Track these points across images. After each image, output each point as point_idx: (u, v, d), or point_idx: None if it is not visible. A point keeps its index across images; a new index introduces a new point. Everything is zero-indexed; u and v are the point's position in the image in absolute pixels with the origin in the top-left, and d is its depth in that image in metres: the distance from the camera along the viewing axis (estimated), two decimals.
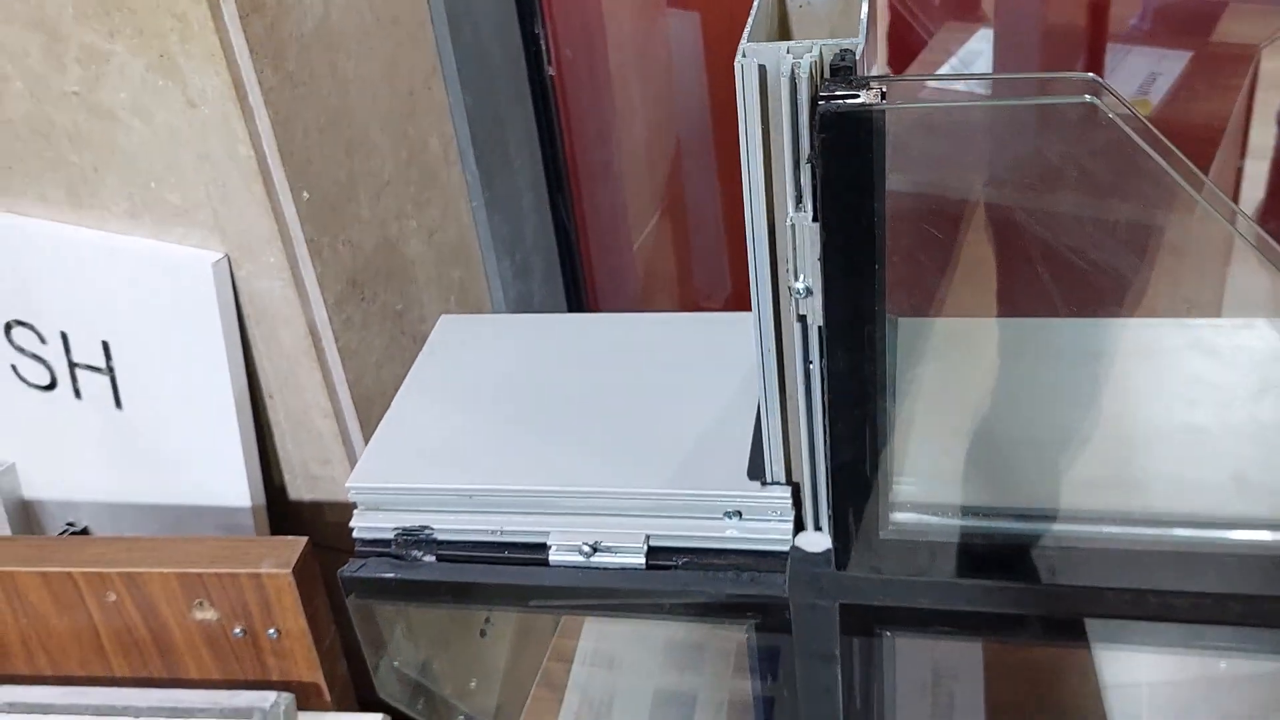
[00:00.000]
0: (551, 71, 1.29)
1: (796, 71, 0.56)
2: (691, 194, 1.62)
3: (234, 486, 1.16)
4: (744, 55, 0.58)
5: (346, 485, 0.77)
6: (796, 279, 0.61)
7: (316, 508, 1.21)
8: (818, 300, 0.61)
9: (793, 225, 0.60)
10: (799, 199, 0.59)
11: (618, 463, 0.75)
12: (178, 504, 1.21)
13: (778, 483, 0.71)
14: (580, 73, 1.36)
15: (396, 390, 0.89)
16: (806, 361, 0.65)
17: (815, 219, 0.58)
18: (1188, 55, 1.84)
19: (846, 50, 0.56)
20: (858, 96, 0.54)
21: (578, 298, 1.42)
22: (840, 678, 0.71)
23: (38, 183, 1.10)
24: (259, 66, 0.93)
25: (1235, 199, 2.00)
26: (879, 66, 2.12)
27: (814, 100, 0.55)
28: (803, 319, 0.63)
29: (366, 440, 1.15)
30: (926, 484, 0.68)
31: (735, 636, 0.84)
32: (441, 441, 0.79)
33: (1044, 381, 0.72)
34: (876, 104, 0.53)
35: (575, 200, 1.37)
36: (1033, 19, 1.51)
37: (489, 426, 0.80)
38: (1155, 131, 0.54)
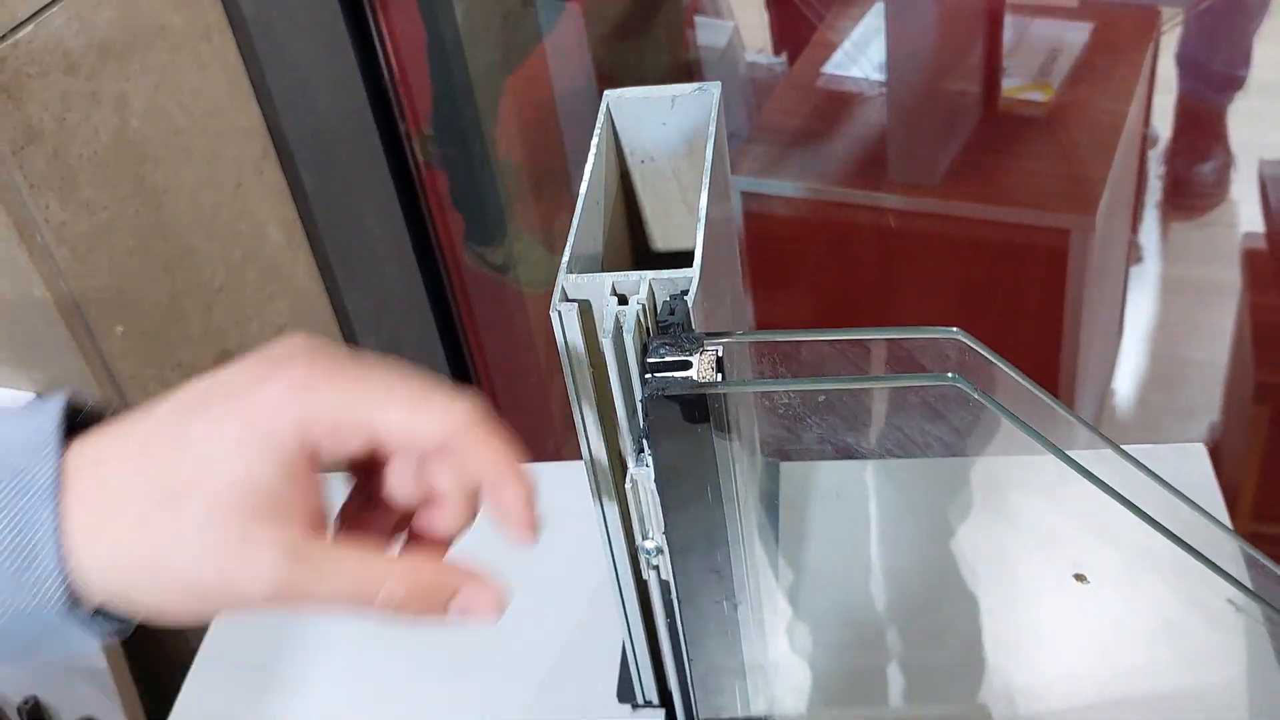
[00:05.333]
0: (407, 127, 1.18)
1: (621, 322, 0.46)
2: None
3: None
4: (563, 295, 0.48)
5: None
6: (646, 538, 0.52)
7: None
8: (667, 561, 0.52)
9: (634, 481, 0.51)
10: (639, 453, 0.50)
11: (472, 694, 0.66)
12: None
13: (650, 704, 0.63)
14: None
15: None
16: (666, 616, 0.56)
17: (655, 479, 0.49)
18: (1089, 27, 1.76)
19: (678, 298, 0.46)
20: (688, 366, 0.45)
21: (460, 361, 1.31)
22: None
23: None
24: (43, 202, 0.81)
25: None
26: (763, 52, 2.00)
27: (643, 359, 0.46)
28: (656, 569, 0.54)
29: None
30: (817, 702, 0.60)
31: None
32: (263, 680, 0.69)
33: (914, 597, 0.64)
34: (708, 385, 0.44)
35: (448, 260, 1.27)
36: None
37: (329, 668, 0.70)
38: (1025, 382, 0.45)
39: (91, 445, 0.37)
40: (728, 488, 0.51)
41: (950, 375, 0.41)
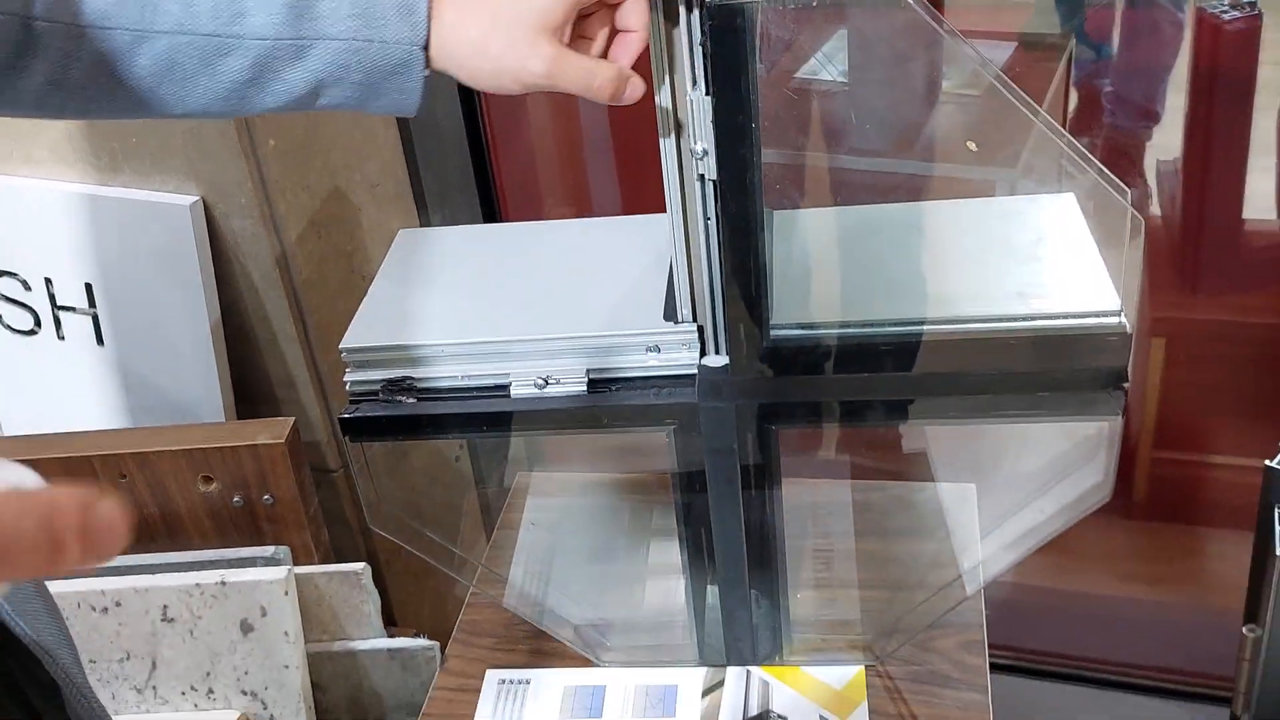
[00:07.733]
0: None
1: None
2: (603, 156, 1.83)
3: (211, 412, 1.32)
4: None
5: (340, 346, 0.95)
6: (695, 144, 0.82)
7: None
8: (712, 160, 0.82)
9: (691, 100, 0.81)
10: (695, 80, 0.80)
11: (562, 316, 0.94)
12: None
13: (686, 321, 0.92)
14: None
15: (351, 322, 1.06)
16: (705, 216, 0.86)
17: (708, 93, 0.79)
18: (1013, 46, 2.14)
19: None
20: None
21: None
22: (740, 471, 0.92)
23: (23, 144, 1.26)
24: None
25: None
26: None
27: (703, 11, 0.77)
28: (701, 177, 0.84)
29: (327, 366, 1.33)
30: (798, 306, 0.89)
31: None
32: (416, 308, 0.97)
33: (880, 243, 0.95)
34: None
35: (494, 159, 1.57)
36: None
37: (455, 295, 0.98)
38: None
39: None
40: (755, 114, 0.80)
41: None
